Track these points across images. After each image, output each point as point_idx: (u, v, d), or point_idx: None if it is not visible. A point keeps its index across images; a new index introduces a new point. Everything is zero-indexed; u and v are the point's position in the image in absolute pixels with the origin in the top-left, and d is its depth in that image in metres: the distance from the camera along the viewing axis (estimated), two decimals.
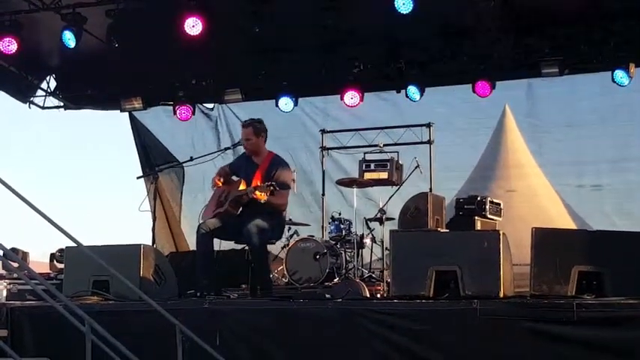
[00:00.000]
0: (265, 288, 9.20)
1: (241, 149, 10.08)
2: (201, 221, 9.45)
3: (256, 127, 9.49)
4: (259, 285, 9.28)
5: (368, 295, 9.95)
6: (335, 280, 11.12)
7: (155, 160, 14.92)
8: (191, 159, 10.52)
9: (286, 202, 9.48)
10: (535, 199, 13.09)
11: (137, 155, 15.23)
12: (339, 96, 13.28)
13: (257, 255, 9.26)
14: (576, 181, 12.95)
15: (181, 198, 14.83)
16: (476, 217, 11.20)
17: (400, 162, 12.22)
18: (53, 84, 14.63)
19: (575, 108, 12.94)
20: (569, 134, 12.98)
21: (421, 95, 12.95)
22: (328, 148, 13.47)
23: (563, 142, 12.99)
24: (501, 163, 13.48)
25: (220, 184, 9.42)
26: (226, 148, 11.17)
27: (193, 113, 14.25)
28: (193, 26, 11.47)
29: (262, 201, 8.92)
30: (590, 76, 12.56)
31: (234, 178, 9.55)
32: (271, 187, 8.82)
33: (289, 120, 14.14)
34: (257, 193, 8.88)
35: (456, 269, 7.79)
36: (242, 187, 9.22)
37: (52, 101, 14.79)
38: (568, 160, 12.97)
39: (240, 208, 9.23)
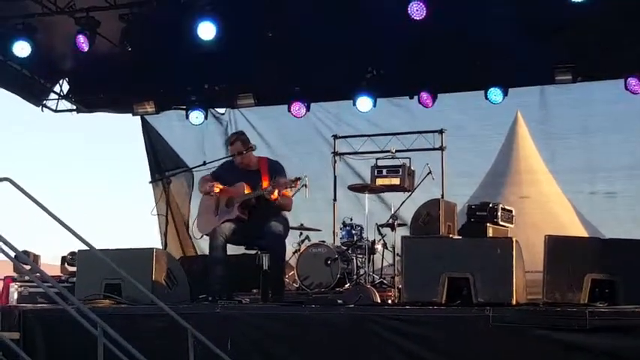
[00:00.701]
0: (277, 293, 9.17)
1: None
2: (197, 235, 9.44)
3: (243, 140, 9.49)
4: (273, 288, 9.23)
5: (379, 301, 9.94)
6: (346, 285, 11.10)
7: (165, 165, 14.93)
8: (204, 163, 10.51)
9: (291, 202, 9.46)
10: (547, 206, 13.07)
11: (147, 159, 15.29)
12: (351, 101, 13.31)
13: (278, 257, 9.20)
14: (589, 187, 12.92)
15: (190, 203, 14.81)
16: (487, 224, 11.18)
17: (412, 168, 12.20)
18: (66, 87, 14.68)
19: (589, 115, 12.92)
20: (582, 141, 12.97)
21: (434, 101, 12.97)
22: (340, 154, 13.48)
23: (577, 148, 12.98)
24: (513, 169, 13.47)
25: (219, 190, 9.35)
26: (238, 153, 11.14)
27: (206, 118, 14.29)
28: (207, 31, 11.50)
29: (274, 201, 8.96)
30: (603, 82, 12.56)
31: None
32: (297, 180, 8.92)
33: (301, 125, 14.17)
34: (275, 193, 8.93)
35: (469, 276, 7.76)
36: (247, 191, 9.18)
37: (64, 104, 14.85)
38: (581, 166, 12.96)
39: (247, 212, 9.21)
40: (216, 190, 9.29)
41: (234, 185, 9.26)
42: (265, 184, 9.11)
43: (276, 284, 9.25)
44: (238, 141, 9.46)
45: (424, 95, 12.97)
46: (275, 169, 9.32)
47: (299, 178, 9.02)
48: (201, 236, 9.42)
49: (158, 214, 12.49)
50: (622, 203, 12.74)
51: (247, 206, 9.17)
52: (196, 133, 14.80)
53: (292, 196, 9.60)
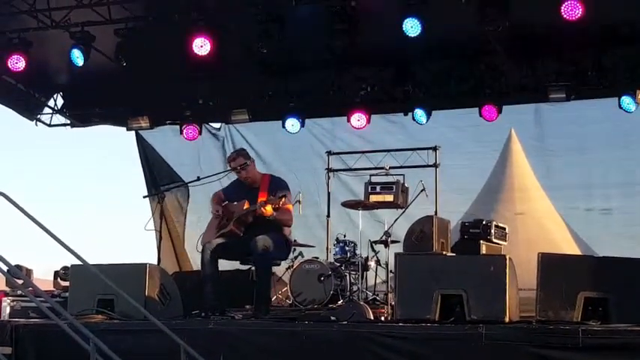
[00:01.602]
0: (261, 308, 9.12)
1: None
2: (199, 248, 9.44)
3: (244, 155, 9.58)
4: (257, 302, 9.22)
5: (372, 318, 9.92)
6: (339, 302, 11.07)
7: (160, 179, 14.91)
8: (198, 179, 10.50)
9: (291, 217, 9.47)
10: (540, 223, 13.07)
11: (142, 174, 15.28)
12: (346, 117, 13.32)
13: (260, 269, 9.20)
14: (585, 204, 12.92)
15: (185, 218, 14.81)
16: (481, 241, 11.19)
17: (406, 185, 12.18)
18: (60, 102, 14.68)
19: (583, 132, 12.96)
20: (578, 158, 13.02)
21: (428, 118, 13.02)
22: (334, 170, 13.46)
23: (571, 166, 13.02)
24: (507, 186, 13.48)
25: (221, 214, 9.40)
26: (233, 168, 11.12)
27: (200, 133, 14.29)
28: (202, 46, 11.51)
29: (269, 216, 8.96)
30: (597, 101, 12.59)
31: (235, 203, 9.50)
32: (283, 197, 8.89)
33: (296, 141, 14.18)
34: (267, 207, 8.93)
35: (462, 293, 7.76)
36: (246, 207, 9.20)
37: (58, 119, 14.85)
38: (576, 183, 12.98)
39: (243, 228, 9.22)
40: (218, 214, 9.37)
41: (237, 202, 9.30)
42: (261, 200, 9.12)
43: (261, 296, 9.21)
44: (239, 157, 9.54)
45: (419, 112, 13.00)
46: (276, 186, 9.34)
47: (284, 196, 9.00)
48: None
49: (155, 230, 12.47)
50: (618, 220, 12.75)
51: (243, 222, 9.19)
52: (192, 148, 14.79)
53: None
